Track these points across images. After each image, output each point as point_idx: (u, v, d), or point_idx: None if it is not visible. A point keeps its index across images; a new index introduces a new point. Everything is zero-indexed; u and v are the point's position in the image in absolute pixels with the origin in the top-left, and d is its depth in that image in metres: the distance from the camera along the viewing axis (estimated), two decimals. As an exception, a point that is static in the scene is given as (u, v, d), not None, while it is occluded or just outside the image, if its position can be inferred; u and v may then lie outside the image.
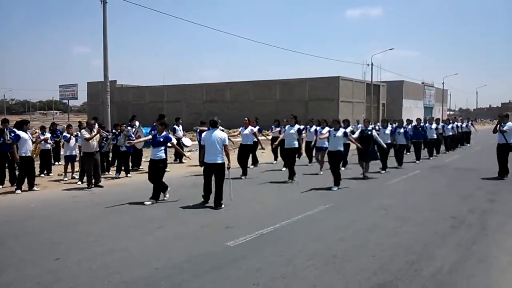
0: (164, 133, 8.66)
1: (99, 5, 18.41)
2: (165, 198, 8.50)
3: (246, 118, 12.70)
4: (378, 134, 12.32)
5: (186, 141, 14.62)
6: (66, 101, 60.61)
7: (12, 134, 9.63)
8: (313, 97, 40.02)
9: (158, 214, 7.49)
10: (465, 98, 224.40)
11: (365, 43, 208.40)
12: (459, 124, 21.58)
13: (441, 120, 21.76)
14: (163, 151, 8.44)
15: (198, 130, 13.49)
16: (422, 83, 63.43)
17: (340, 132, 9.93)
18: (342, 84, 39.53)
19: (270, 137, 16.01)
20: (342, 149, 9.91)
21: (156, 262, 5.02)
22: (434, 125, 17.15)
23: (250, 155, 12.89)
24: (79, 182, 10.63)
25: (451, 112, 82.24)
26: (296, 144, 10.92)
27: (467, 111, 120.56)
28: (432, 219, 7.09)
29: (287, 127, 11.28)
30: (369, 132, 11.50)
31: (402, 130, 13.87)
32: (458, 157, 17.33)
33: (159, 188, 8.38)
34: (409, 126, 16.07)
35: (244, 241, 5.81)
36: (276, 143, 11.96)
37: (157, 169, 8.35)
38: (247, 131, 12.11)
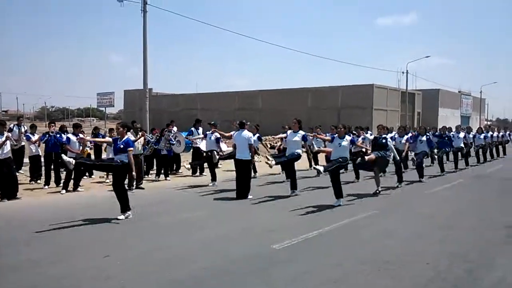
0: (125, 137, 7.48)
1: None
2: (119, 218, 7.11)
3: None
4: (393, 144, 10.94)
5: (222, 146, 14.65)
6: (103, 108, 62.41)
7: (61, 135, 10.07)
8: (346, 105, 39.47)
9: (198, 217, 7.50)
10: (503, 107, 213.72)
11: (398, 51, 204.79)
12: (494, 134, 19.50)
13: (475, 129, 20.00)
14: (127, 158, 7.27)
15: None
16: (459, 91, 61.42)
17: (345, 141, 8.58)
18: (376, 92, 38.79)
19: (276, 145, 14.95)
20: (347, 156, 8.59)
21: (203, 261, 5.00)
22: (461, 134, 15.51)
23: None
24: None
25: (489, 122, 79.07)
26: (300, 152, 9.54)
27: (505, 121, 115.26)
28: (483, 228, 6.75)
29: (289, 132, 9.80)
30: (383, 141, 9.81)
31: (424, 138, 12.48)
32: (501, 167, 16.57)
33: (122, 197, 7.29)
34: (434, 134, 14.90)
35: (289, 244, 5.70)
36: (276, 150, 10.80)
37: (116, 176, 7.32)
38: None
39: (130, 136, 10.42)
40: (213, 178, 11.14)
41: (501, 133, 20.98)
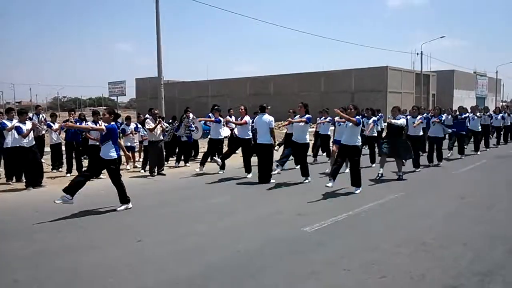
0: (111, 123, 6.84)
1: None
2: (118, 209, 6.79)
3: (241, 107, 10.13)
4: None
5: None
6: (115, 97, 62.65)
7: (81, 124, 10.10)
8: (360, 88, 39.04)
9: (223, 202, 7.45)
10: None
11: (409, 33, 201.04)
12: None
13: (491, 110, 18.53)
14: (114, 148, 6.76)
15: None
16: (474, 72, 60.22)
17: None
18: (390, 74, 38.27)
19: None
20: (359, 143, 7.98)
21: (236, 245, 4.96)
22: (478, 115, 14.48)
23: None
24: (142, 171, 10.87)
25: (503, 103, 77.45)
26: (308, 138, 9.01)
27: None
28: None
29: (296, 118, 9.25)
30: (398, 123, 9.23)
31: (437, 120, 11.49)
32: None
33: (121, 191, 6.92)
34: (448, 116, 13.66)
35: (320, 227, 5.64)
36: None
37: (110, 172, 6.90)
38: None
39: (149, 122, 10.39)
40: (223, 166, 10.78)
41: None
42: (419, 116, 10.91)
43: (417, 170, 10.36)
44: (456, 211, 6.51)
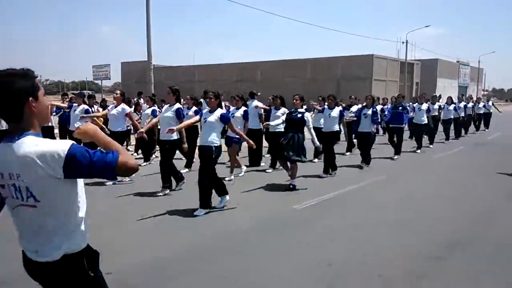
0: None
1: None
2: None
3: (117, 92, 8.07)
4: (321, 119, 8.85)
5: None
6: (99, 81, 61.78)
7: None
8: (346, 76, 39.49)
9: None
10: (502, 77, 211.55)
11: (394, 21, 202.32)
12: (469, 104, 16.47)
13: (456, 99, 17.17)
14: None
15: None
16: (457, 61, 61.30)
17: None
18: (376, 63, 38.79)
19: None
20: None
21: (229, 225, 5.21)
22: (424, 106, 12.11)
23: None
24: (135, 154, 11.07)
25: (485, 92, 79.05)
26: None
27: (501, 91, 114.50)
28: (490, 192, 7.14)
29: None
30: (299, 116, 7.21)
31: (369, 112, 9.15)
32: (500, 135, 16.82)
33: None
34: (386, 106, 12.33)
35: (308, 205, 6.06)
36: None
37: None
38: (114, 111, 7.80)
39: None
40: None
41: (482, 104, 18.58)
42: (337, 109, 8.62)
43: (324, 175, 8.27)
44: (437, 192, 7.02)
